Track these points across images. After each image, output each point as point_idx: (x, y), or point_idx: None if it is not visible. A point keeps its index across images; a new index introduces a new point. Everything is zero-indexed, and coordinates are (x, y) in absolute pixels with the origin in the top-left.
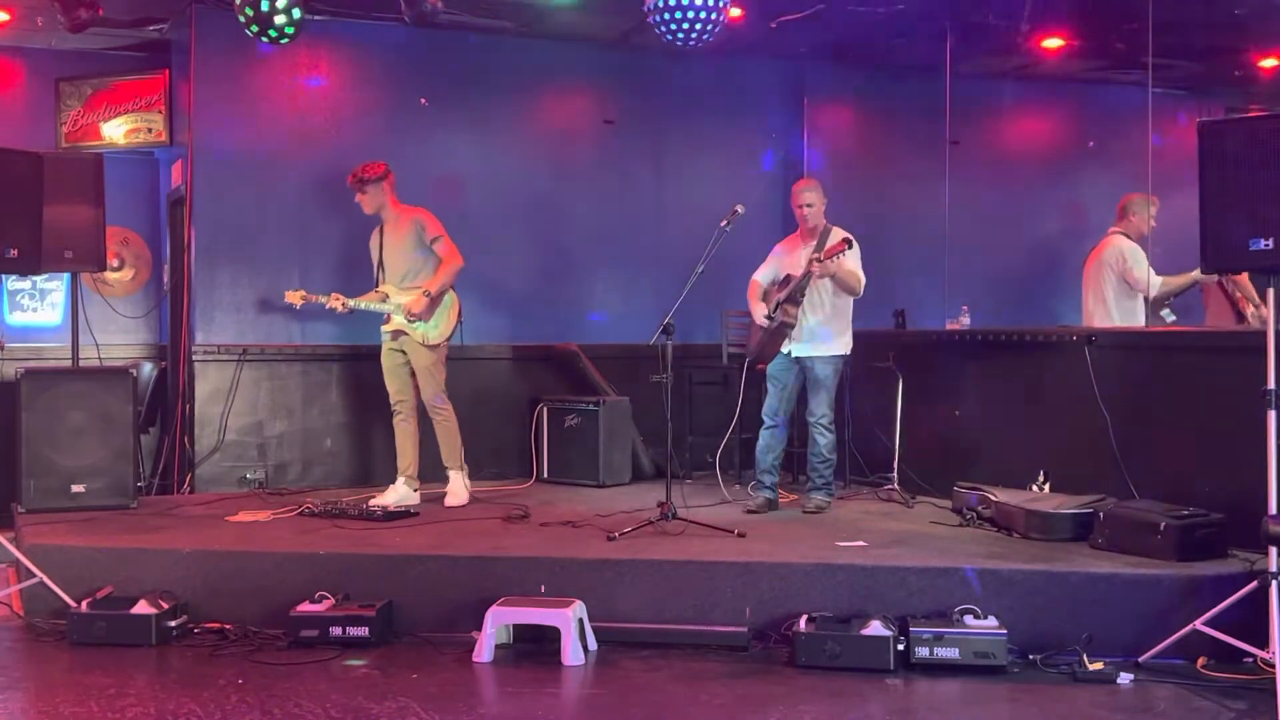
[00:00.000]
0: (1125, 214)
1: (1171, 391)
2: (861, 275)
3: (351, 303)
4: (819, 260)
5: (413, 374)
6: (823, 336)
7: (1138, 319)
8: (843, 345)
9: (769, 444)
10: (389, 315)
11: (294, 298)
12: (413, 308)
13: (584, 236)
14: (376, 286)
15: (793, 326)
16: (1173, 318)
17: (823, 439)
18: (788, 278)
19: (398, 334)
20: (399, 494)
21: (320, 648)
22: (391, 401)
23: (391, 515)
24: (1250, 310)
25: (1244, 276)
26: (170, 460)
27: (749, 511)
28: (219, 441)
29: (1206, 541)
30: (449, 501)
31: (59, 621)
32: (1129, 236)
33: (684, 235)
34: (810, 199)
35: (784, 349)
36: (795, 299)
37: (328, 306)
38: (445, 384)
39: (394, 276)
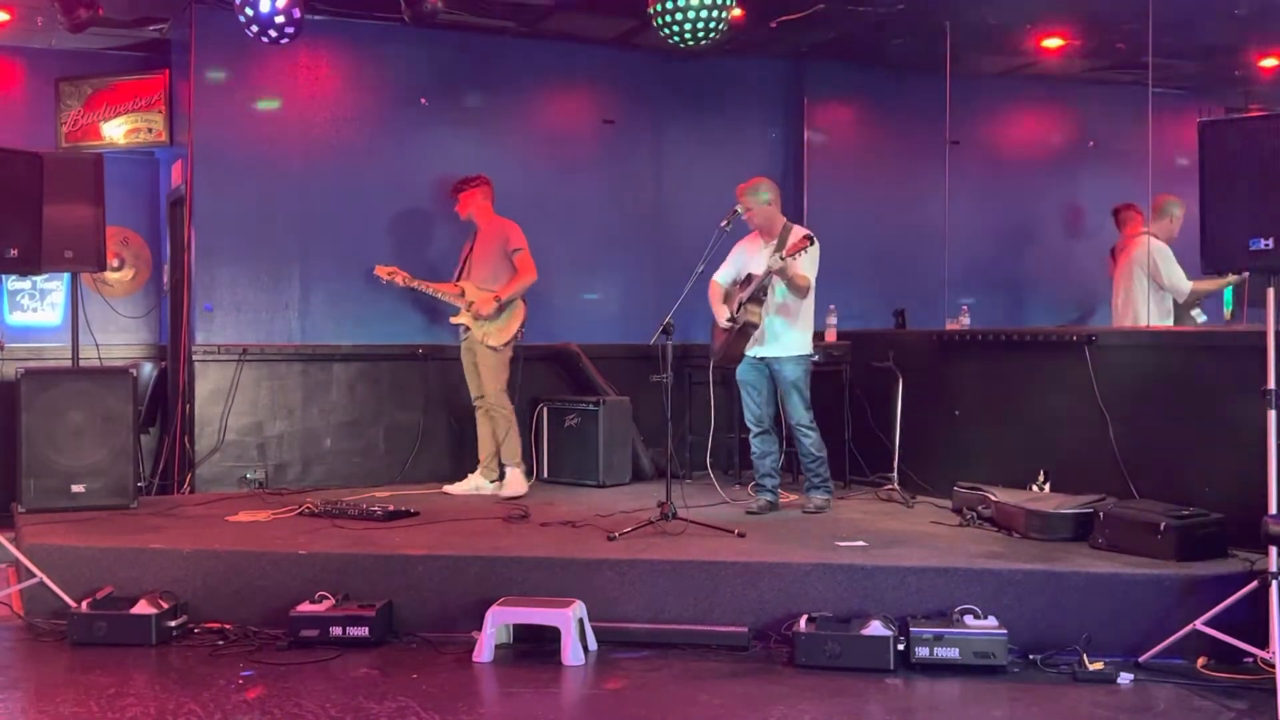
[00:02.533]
0: (1158, 214)
1: (1171, 391)
2: (810, 279)
3: (416, 283)
4: (781, 257)
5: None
6: (787, 336)
7: (1170, 318)
8: (807, 344)
9: (763, 450)
10: (461, 310)
11: (383, 272)
12: (481, 308)
13: (584, 236)
14: (456, 280)
15: (756, 326)
16: (1203, 318)
17: (807, 439)
18: (749, 277)
19: (466, 329)
20: (472, 484)
21: (320, 648)
22: (472, 397)
23: (391, 515)
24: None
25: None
26: (170, 460)
27: (750, 513)
28: (219, 441)
29: (1206, 541)
30: (505, 492)
31: (59, 621)
32: (1159, 237)
33: (684, 235)
34: (747, 203)
35: (749, 351)
36: (758, 298)
37: (395, 280)
38: (508, 384)
39: (475, 278)
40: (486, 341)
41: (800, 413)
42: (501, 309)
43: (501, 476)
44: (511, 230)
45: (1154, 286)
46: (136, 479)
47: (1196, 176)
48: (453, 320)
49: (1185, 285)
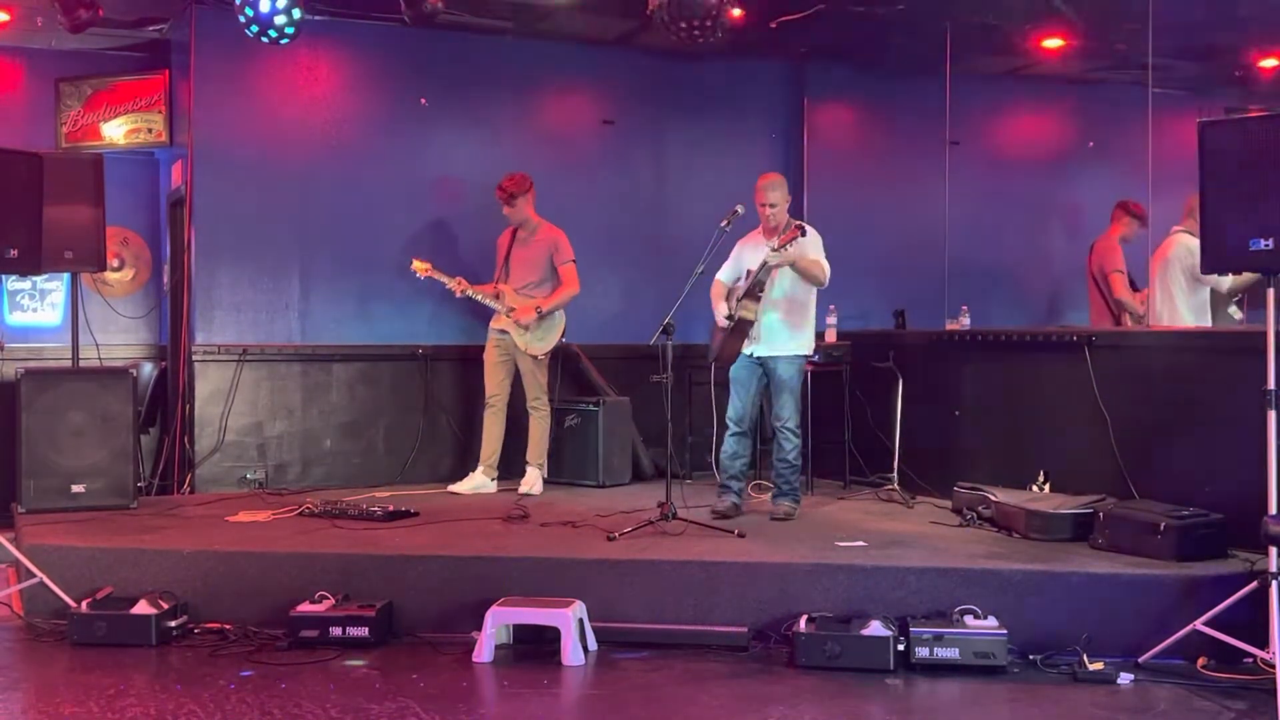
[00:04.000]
0: (1191, 213)
1: (1171, 391)
2: (825, 263)
3: (471, 291)
4: (774, 249)
5: (514, 373)
6: (784, 334)
7: (1207, 315)
8: (805, 344)
9: (736, 450)
10: (499, 314)
11: (420, 267)
12: (521, 317)
13: (584, 237)
14: (495, 283)
15: (752, 323)
16: (1240, 315)
17: (789, 443)
18: (747, 273)
19: (503, 332)
20: (475, 483)
21: (320, 648)
22: (487, 395)
23: (392, 515)
24: (1129, 322)
25: (1123, 291)
26: (170, 460)
27: (716, 514)
28: (219, 442)
29: (1206, 541)
30: (524, 489)
31: (59, 621)
32: (1193, 234)
33: (684, 235)
34: (774, 198)
35: (745, 349)
36: (755, 294)
37: (448, 286)
38: (546, 385)
39: (515, 281)
40: (529, 351)
41: (789, 413)
42: (541, 319)
43: (501, 476)
44: (563, 240)
45: (1187, 284)
46: (136, 479)
47: (1195, 179)
48: (493, 325)
49: (1225, 279)
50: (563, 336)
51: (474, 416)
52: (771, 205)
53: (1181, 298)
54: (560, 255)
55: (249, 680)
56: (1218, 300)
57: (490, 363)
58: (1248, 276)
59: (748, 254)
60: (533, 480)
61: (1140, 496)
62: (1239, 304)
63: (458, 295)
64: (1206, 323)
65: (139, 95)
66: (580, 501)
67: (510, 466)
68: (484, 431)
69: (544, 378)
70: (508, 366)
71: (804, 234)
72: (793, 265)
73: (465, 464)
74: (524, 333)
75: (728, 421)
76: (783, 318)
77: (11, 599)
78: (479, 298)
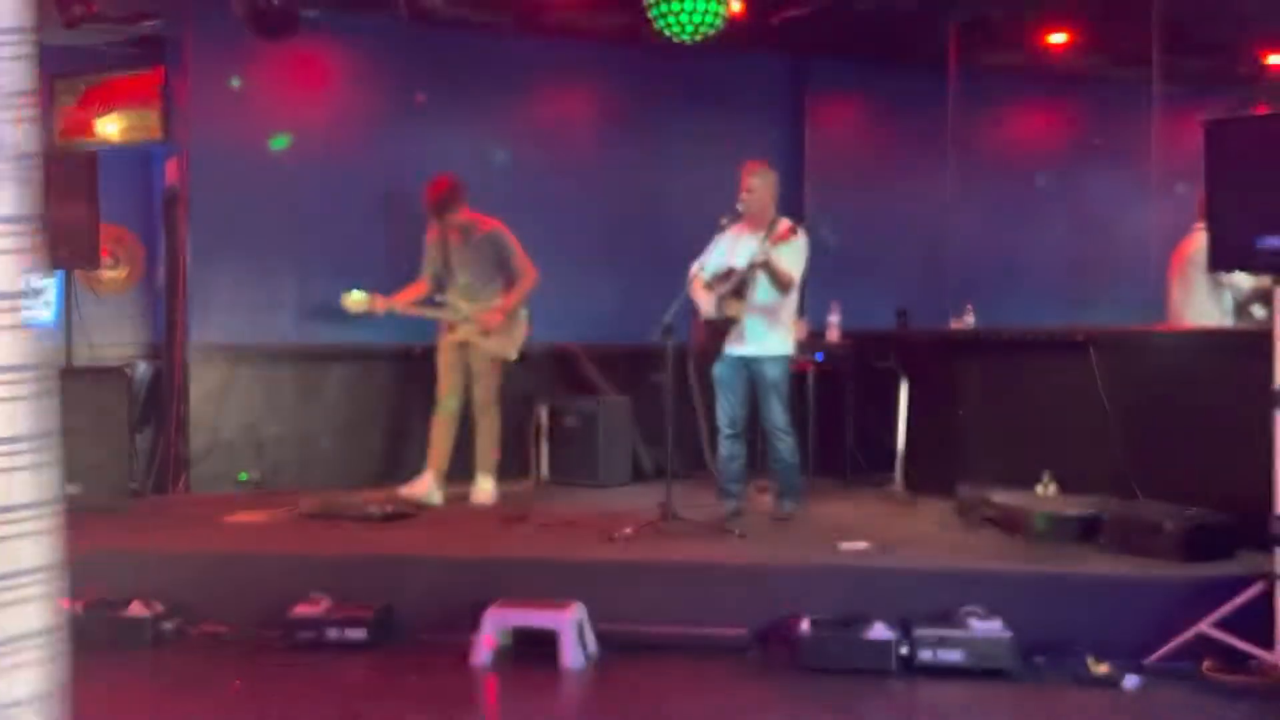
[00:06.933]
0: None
1: (1177, 391)
2: (794, 275)
3: (416, 311)
4: (763, 239)
5: (467, 374)
6: (768, 334)
7: (1228, 317)
8: (788, 343)
9: (732, 453)
10: (455, 325)
11: (358, 300)
12: (491, 322)
13: (584, 236)
14: (443, 289)
15: (738, 322)
16: (1264, 313)
17: (782, 444)
18: (730, 270)
19: (464, 344)
20: (483, 487)
21: (317, 650)
22: (447, 398)
23: (389, 516)
24: None
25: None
26: (165, 460)
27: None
28: (214, 441)
29: (1212, 542)
30: (476, 499)
31: None
32: None
33: (684, 233)
34: (753, 183)
35: (728, 349)
36: (741, 293)
37: (359, 312)
38: (496, 390)
39: (462, 283)
40: (504, 356)
41: (778, 415)
42: (509, 320)
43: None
44: (505, 233)
45: (1212, 283)
46: (131, 479)
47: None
48: (452, 338)
49: (1245, 282)
50: (530, 327)
51: (472, 416)
52: (748, 191)
53: (1203, 294)
54: (506, 249)
55: (246, 682)
56: (1240, 301)
57: (449, 364)
58: (1265, 281)
59: (729, 248)
60: (487, 492)
61: (1145, 497)
62: (1263, 303)
63: (399, 312)
64: (1228, 321)
65: (133, 92)
66: (580, 501)
67: (457, 469)
68: (476, 439)
69: (498, 380)
70: (464, 369)
71: (796, 234)
72: (765, 265)
73: (462, 464)
74: (487, 338)
75: (719, 425)
76: (765, 317)
77: None
78: (428, 314)
